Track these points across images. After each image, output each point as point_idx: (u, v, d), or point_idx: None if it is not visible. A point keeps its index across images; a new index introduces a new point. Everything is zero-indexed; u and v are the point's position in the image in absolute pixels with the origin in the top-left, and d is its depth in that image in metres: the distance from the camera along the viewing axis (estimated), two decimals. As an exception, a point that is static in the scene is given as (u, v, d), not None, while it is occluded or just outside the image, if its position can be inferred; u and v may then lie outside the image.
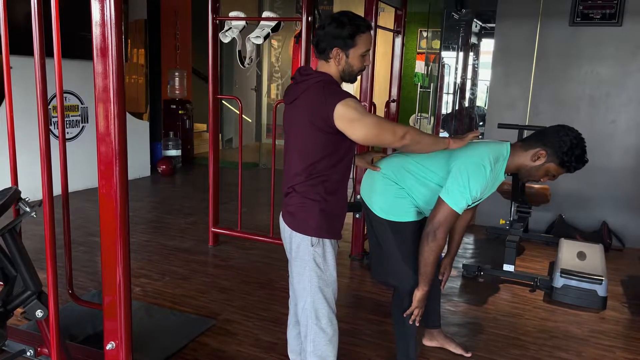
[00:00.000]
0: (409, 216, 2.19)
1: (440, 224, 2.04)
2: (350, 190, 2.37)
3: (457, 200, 2.02)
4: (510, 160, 2.14)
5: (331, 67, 1.90)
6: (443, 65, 7.84)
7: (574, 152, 2.07)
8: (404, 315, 2.21)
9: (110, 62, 1.58)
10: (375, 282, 3.42)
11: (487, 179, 2.04)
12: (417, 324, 2.23)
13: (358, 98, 3.77)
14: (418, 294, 2.15)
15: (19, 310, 1.92)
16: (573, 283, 3.27)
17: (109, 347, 1.80)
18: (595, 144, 4.51)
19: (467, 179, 2.01)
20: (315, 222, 1.90)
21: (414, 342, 2.34)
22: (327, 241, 1.94)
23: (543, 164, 2.11)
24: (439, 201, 2.06)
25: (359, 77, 2.06)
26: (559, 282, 3.30)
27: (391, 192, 2.18)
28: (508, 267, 3.58)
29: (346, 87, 2.00)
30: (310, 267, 1.93)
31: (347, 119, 1.79)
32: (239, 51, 3.99)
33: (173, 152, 7.17)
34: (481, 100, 8.15)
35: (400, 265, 2.20)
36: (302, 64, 3.50)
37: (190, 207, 5.30)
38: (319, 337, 1.97)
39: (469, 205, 2.08)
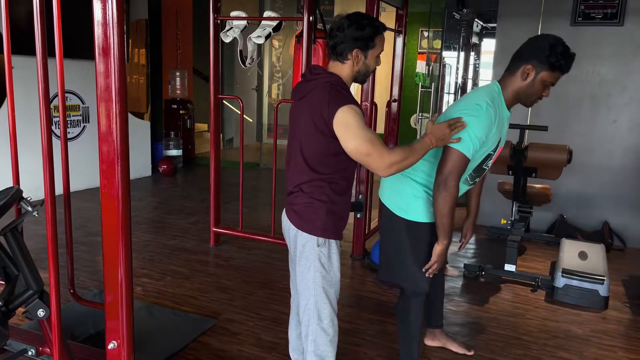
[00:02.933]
0: (426, 217, 2.17)
1: (449, 172, 1.99)
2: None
3: (462, 142, 1.98)
4: (505, 92, 2.11)
5: (345, 68, 1.89)
6: (444, 65, 7.83)
7: (557, 50, 2.01)
8: (423, 270, 2.16)
9: (112, 61, 1.58)
10: (378, 283, 3.42)
11: (489, 117, 2.00)
12: (430, 276, 2.16)
13: (359, 98, 3.80)
14: (438, 248, 2.10)
15: (21, 309, 1.92)
16: (574, 283, 3.27)
17: (110, 346, 1.80)
18: (597, 144, 4.52)
19: (467, 120, 1.98)
20: (322, 223, 1.90)
21: (418, 343, 2.34)
22: (332, 242, 1.94)
23: (535, 77, 2.07)
24: (445, 149, 2.02)
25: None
26: (561, 282, 3.30)
27: (409, 191, 2.16)
28: (509, 267, 3.57)
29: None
30: (315, 267, 1.93)
31: (344, 125, 1.79)
32: (240, 51, 3.99)
33: (174, 152, 7.17)
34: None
35: (411, 266, 2.19)
36: (304, 64, 3.50)
37: (191, 206, 5.31)
38: (320, 337, 1.97)
39: (488, 157, 2.05)
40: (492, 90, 2.09)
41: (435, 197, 2.04)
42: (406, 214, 2.17)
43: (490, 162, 2.19)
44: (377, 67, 1.97)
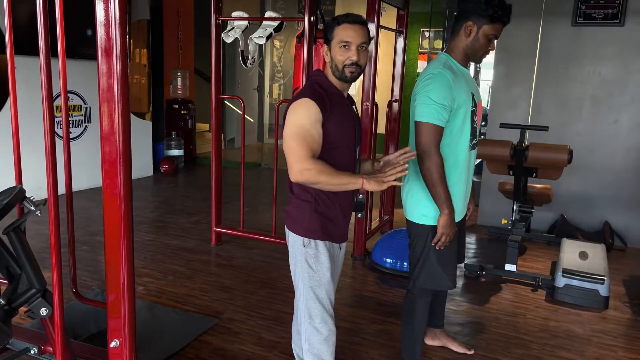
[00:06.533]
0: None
1: (427, 142, 2.01)
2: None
3: (426, 112, 2.00)
4: (454, 54, 2.14)
5: (327, 65, 1.91)
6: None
7: (492, 2, 2.03)
8: (432, 244, 2.14)
9: (115, 62, 1.59)
10: (381, 284, 3.43)
11: (445, 79, 2.02)
12: (439, 248, 2.13)
13: (360, 98, 3.80)
14: (442, 220, 2.08)
15: (24, 308, 1.93)
16: (575, 283, 3.27)
17: (113, 345, 1.81)
18: (598, 144, 4.52)
19: (425, 92, 2.01)
20: (307, 223, 1.90)
21: (421, 343, 2.35)
22: (320, 242, 1.92)
23: (477, 32, 2.08)
24: (416, 125, 2.05)
25: (360, 77, 2.00)
26: (561, 281, 3.30)
27: (424, 195, 2.15)
28: (510, 267, 3.58)
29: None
30: (302, 267, 1.93)
31: (289, 113, 1.79)
32: (242, 51, 4.00)
33: (175, 152, 7.18)
34: (483, 100, 8.15)
35: (435, 267, 2.19)
36: (305, 64, 3.51)
37: (192, 206, 5.31)
38: (313, 336, 1.97)
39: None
40: (440, 59, 2.13)
41: (421, 170, 2.06)
42: (428, 219, 2.16)
43: (477, 120, 2.20)
44: (352, 61, 1.81)
